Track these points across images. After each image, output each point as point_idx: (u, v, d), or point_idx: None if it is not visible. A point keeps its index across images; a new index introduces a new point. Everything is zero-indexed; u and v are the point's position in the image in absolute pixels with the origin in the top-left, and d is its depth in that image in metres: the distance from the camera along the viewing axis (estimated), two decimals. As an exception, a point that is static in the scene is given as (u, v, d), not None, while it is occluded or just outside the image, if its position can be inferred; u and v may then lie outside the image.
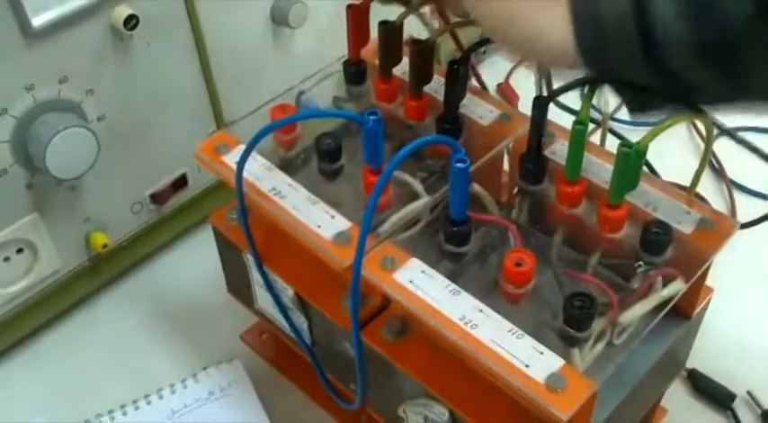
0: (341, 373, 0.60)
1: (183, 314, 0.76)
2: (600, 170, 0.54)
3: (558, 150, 0.56)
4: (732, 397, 0.66)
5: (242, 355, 0.71)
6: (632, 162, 0.47)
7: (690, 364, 0.66)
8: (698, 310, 0.55)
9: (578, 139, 0.49)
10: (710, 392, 0.67)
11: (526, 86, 0.59)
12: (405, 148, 0.46)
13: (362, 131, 0.50)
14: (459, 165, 0.46)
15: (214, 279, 0.71)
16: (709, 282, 0.55)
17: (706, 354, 0.66)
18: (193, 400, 0.68)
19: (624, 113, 0.78)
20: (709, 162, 0.83)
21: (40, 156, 0.61)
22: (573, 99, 0.68)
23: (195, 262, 0.78)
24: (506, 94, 0.86)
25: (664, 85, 0.42)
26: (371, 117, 0.50)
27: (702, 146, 0.84)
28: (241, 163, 0.52)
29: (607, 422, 0.51)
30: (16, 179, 0.64)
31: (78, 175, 0.64)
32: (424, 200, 0.54)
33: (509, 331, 0.46)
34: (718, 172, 0.83)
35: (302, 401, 0.69)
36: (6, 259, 0.67)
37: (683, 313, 0.55)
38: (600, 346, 0.48)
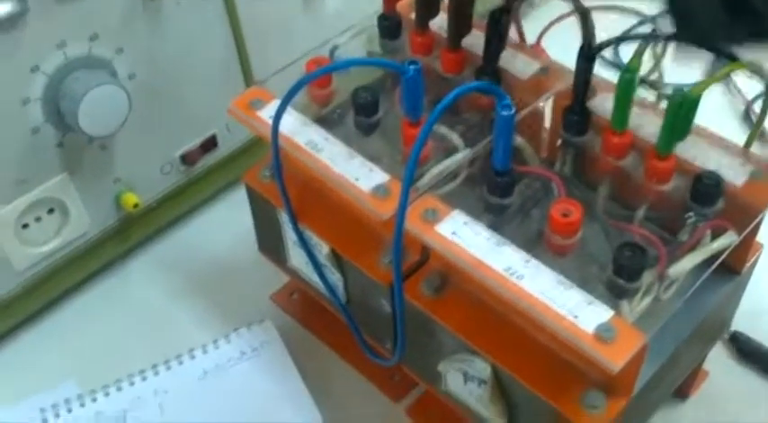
0: (375, 330, 0.59)
1: (213, 276, 0.75)
2: (646, 124, 0.53)
3: (599, 103, 0.54)
4: (775, 359, 0.65)
5: (272, 315, 0.71)
6: (684, 110, 0.46)
7: (732, 326, 0.65)
8: (747, 265, 0.54)
9: (627, 87, 0.48)
10: (753, 356, 0.66)
11: (557, 46, 0.58)
12: (448, 96, 0.44)
13: (402, 81, 0.49)
14: (504, 112, 0.45)
15: (244, 241, 0.70)
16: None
17: (750, 316, 0.65)
18: (225, 360, 0.68)
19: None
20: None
21: (72, 113, 0.61)
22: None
23: (225, 224, 0.78)
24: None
25: None
26: (412, 66, 0.48)
27: (742, 108, 0.83)
28: (278, 115, 0.51)
29: (652, 380, 0.50)
30: (47, 138, 0.64)
31: (110, 133, 0.63)
32: (464, 153, 0.53)
33: (556, 282, 0.45)
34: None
35: (333, 361, 0.68)
36: (38, 219, 0.67)
37: (732, 269, 0.53)
38: (647, 301, 0.47)
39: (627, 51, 0.90)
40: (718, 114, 0.83)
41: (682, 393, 0.63)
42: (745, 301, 0.59)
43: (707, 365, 0.64)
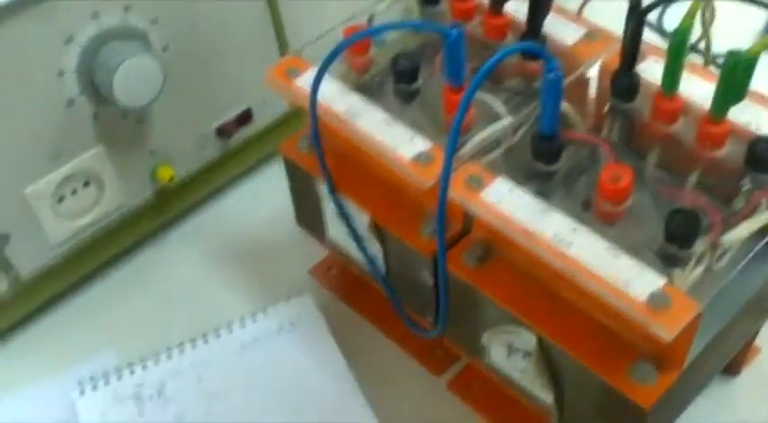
0: (416, 303, 0.58)
1: (251, 250, 0.74)
2: (697, 88, 0.51)
3: (648, 68, 0.53)
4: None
5: (311, 289, 0.70)
6: (741, 71, 0.44)
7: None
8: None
9: (678, 48, 0.46)
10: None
11: (600, 16, 0.56)
12: (494, 56, 0.43)
13: (445, 45, 0.48)
14: (551, 75, 0.44)
15: (281, 214, 0.70)
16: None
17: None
18: (263, 333, 0.67)
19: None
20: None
21: (106, 84, 0.60)
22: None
23: (261, 197, 0.77)
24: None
25: None
26: (455, 29, 0.47)
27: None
28: (316, 82, 0.50)
29: (704, 353, 0.48)
30: (83, 110, 0.63)
31: (144, 104, 0.62)
32: (508, 120, 0.51)
33: (606, 250, 0.44)
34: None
35: (373, 335, 0.67)
36: (74, 192, 0.66)
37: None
38: (699, 270, 0.46)
39: (670, 18, 0.89)
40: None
41: (732, 370, 0.61)
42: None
43: (759, 341, 0.62)
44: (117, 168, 0.68)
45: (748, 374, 0.62)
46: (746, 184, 0.47)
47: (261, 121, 0.76)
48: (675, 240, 0.44)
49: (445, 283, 0.50)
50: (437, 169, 0.48)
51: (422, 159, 0.49)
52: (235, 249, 0.75)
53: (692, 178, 0.49)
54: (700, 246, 0.45)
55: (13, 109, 0.59)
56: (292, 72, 0.55)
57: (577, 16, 0.58)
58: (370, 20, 0.59)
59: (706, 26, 0.49)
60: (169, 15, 0.64)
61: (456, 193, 0.47)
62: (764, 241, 0.46)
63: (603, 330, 0.48)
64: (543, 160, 0.48)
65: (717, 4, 0.51)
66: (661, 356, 0.46)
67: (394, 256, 0.57)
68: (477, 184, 0.47)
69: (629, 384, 0.46)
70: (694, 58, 0.53)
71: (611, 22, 0.55)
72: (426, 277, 0.55)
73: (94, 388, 0.65)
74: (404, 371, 0.65)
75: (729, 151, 0.49)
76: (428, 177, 0.48)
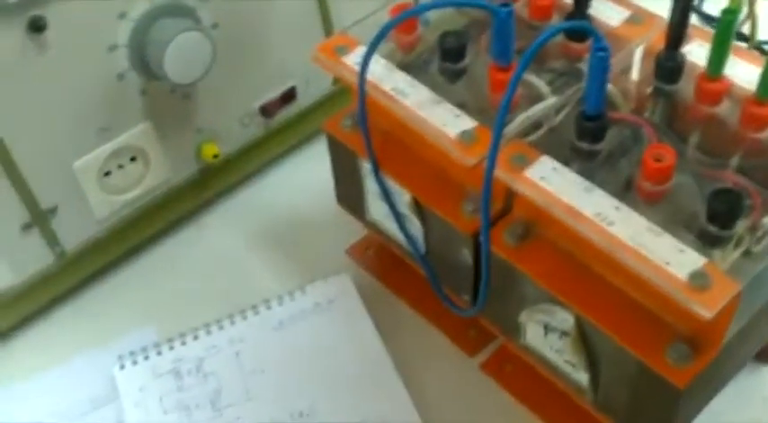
0: (454, 282, 0.59)
1: (290, 229, 0.75)
2: (741, 71, 0.51)
3: (693, 50, 0.53)
4: None
5: (348, 269, 0.71)
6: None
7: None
8: None
9: (726, 29, 0.47)
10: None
11: None
12: (543, 34, 0.44)
13: (494, 23, 0.48)
14: (600, 53, 0.44)
15: (321, 194, 0.71)
16: None
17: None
18: (300, 311, 0.68)
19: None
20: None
21: (158, 59, 0.61)
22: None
23: (303, 177, 0.78)
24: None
25: None
26: (504, 8, 0.48)
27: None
28: (366, 60, 0.51)
29: (739, 336, 0.49)
30: (132, 85, 0.64)
31: (194, 81, 0.63)
32: (552, 100, 0.52)
33: (647, 228, 0.44)
34: None
35: (408, 315, 0.68)
36: (120, 167, 0.67)
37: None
38: (738, 253, 0.46)
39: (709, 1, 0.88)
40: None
41: (764, 358, 0.62)
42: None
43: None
44: (163, 144, 0.69)
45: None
46: (790, 167, 0.48)
47: (304, 100, 0.77)
48: (717, 220, 0.44)
49: (488, 260, 0.50)
50: (481, 148, 0.49)
51: (466, 138, 0.50)
52: (275, 228, 0.76)
53: (735, 160, 0.49)
54: (740, 227, 0.45)
55: (65, 82, 0.61)
56: (340, 50, 0.56)
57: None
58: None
59: (752, 9, 0.49)
60: (219, -7, 0.65)
61: (501, 170, 0.48)
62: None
63: (641, 311, 0.48)
64: (588, 140, 0.49)
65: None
66: (697, 337, 0.47)
67: (434, 234, 0.58)
68: (521, 163, 0.48)
69: (665, 364, 0.46)
70: (738, 44, 0.53)
71: (653, 3, 0.55)
72: (466, 256, 0.55)
73: (134, 363, 0.66)
74: (438, 351, 0.66)
75: (774, 134, 0.49)
76: (472, 156, 0.49)
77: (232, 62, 0.69)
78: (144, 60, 0.63)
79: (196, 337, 0.67)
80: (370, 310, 0.68)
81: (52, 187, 0.64)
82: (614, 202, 0.46)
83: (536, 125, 0.52)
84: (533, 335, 0.54)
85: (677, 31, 0.50)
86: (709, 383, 0.52)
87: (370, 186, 0.60)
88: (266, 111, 0.74)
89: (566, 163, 0.49)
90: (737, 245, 0.46)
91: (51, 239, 0.66)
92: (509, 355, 0.63)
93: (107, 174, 0.67)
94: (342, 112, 0.62)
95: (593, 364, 0.51)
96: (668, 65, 0.51)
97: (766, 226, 0.46)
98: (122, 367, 0.66)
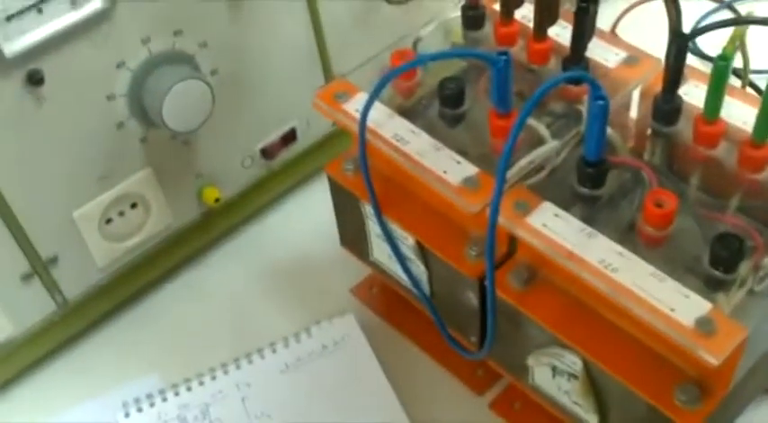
0: (460, 324, 0.59)
1: (294, 269, 0.75)
2: (737, 112, 0.52)
3: (690, 92, 0.53)
4: None
5: (353, 309, 0.71)
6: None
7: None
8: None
9: (721, 75, 0.47)
10: None
11: (631, 34, 0.57)
12: (543, 85, 0.44)
13: (493, 72, 0.49)
14: (599, 102, 0.45)
15: (324, 234, 0.71)
16: None
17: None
18: (307, 353, 0.68)
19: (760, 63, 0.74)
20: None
21: (156, 108, 0.61)
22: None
23: (304, 217, 0.78)
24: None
25: None
26: (503, 57, 0.48)
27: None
28: (366, 108, 0.52)
29: (748, 375, 0.49)
30: (132, 133, 0.64)
31: (194, 128, 0.64)
32: (553, 144, 0.52)
33: (650, 274, 0.45)
34: None
35: (415, 355, 0.68)
36: (121, 214, 0.68)
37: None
38: (741, 293, 0.46)
39: (705, 39, 0.89)
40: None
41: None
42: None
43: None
44: (164, 191, 0.69)
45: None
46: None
47: (305, 141, 0.77)
48: (720, 265, 0.45)
49: (494, 305, 0.51)
50: (484, 194, 0.49)
51: (470, 184, 0.50)
52: (278, 269, 0.76)
53: (735, 201, 0.49)
54: (743, 269, 0.45)
55: (64, 133, 0.61)
56: (340, 97, 0.57)
57: (614, 36, 0.58)
58: (416, 44, 0.60)
59: (744, 49, 0.49)
60: (217, 39, 0.65)
61: (504, 217, 0.48)
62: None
63: (648, 353, 0.48)
64: (588, 185, 0.49)
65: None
66: (706, 379, 0.47)
67: (439, 277, 0.58)
68: (523, 209, 0.48)
69: (674, 407, 0.46)
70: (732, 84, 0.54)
71: (642, 39, 0.55)
72: (471, 298, 0.56)
73: (139, 410, 0.65)
74: (446, 390, 0.65)
75: (771, 175, 0.49)
76: (476, 202, 0.49)
77: (232, 106, 0.69)
78: (143, 109, 0.63)
79: (201, 383, 0.67)
80: (376, 350, 0.67)
81: (52, 237, 0.64)
82: (617, 247, 0.46)
83: (537, 168, 0.52)
84: (541, 377, 0.54)
85: (674, 74, 0.50)
86: (719, 422, 0.52)
87: (373, 229, 0.61)
88: (267, 152, 0.74)
89: (567, 206, 0.49)
90: (741, 285, 0.46)
91: (52, 289, 0.66)
92: (518, 394, 0.63)
93: (108, 221, 0.67)
94: (343, 155, 0.62)
95: (602, 406, 0.52)
96: (666, 108, 0.52)
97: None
98: (127, 415, 0.65)
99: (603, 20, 0.58)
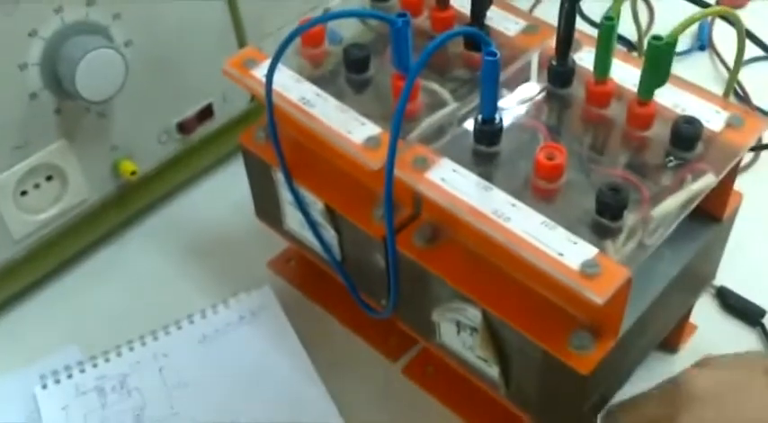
0: (371, 287, 0.61)
1: (212, 244, 0.76)
2: (628, 74, 0.54)
3: (585, 57, 0.56)
4: (762, 313, 0.67)
5: (271, 282, 0.72)
6: (663, 54, 0.47)
7: (718, 281, 0.66)
8: (728, 213, 0.55)
9: (608, 35, 0.49)
10: (739, 309, 0.67)
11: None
12: (434, 40, 0.46)
13: (392, 33, 0.50)
14: (489, 58, 0.46)
15: (241, 209, 0.72)
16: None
17: (735, 271, 0.66)
18: (224, 324, 0.69)
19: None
20: (734, 90, 0.83)
21: (69, 76, 0.62)
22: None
23: (223, 193, 0.79)
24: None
25: None
26: (400, 18, 0.50)
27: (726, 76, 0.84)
28: (271, 69, 0.53)
29: (638, 323, 0.51)
30: (46, 104, 0.65)
31: (107, 98, 0.64)
32: (453, 106, 0.54)
33: (541, 223, 0.47)
34: (743, 99, 0.83)
35: (331, 325, 0.69)
36: (36, 186, 0.68)
37: (714, 216, 0.55)
38: (632, 245, 0.48)
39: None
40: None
41: (671, 346, 0.64)
42: (730, 258, 0.61)
43: (695, 320, 0.65)
44: (80, 162, 0.69)
45: (686, 351, 0.65)
46: (672, 161, 0.50)
47: (222, 117, 0.78)
48: (605, 212, 0.47)
49: (395, 258, 0.52)
50: (386, 152, 0.51)
51: (371, 143, 0.52)
52: (196, 244, 0.76)
53: (623, 157, 0.51)
54: (630, 219, 0.48)
55: (-24, 101, 0.61)
56: (249, 63, 0.58)
57: (514, 7, 0.61)
58: (325, 13, 0.62)
59: (637, 18, 0.52)
60: (131, 11, 0.66)
61: (403, 172, 0.50)
62: (689, 210, 0.48)
63: (545, 303, 0.50)
64: (485, 143, 0.51)
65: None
66: (597, 325, 0.49)
67: (348, 241, 0.60)
68: (422, 164, 0.50)
69: (568, 352, 0.49)
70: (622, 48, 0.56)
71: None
72: (378, 260, 0.57)
73: (57, 382, 0.66)
74: (361, 358, 0.67)
75: (657, 132, 0.52)
76: (377, 160, 0.51)
77: (147, 79, 0.70)
78: (57, 79, 0.63)
79: (119, 354, 0.67)
80: (293, 321, 0.69)
81: (-34, 207, 0.64)
82: (511, 199, 0.48)
83: (441, 132, 0.54)
84: (447, 333, 0.56)
85: (565, 38, 0.52)
86: (614, 370, 0.54)
87: (285, 196, 0.62)
88: (184, 127, 0.75)
89: (467, 164, 0.51)
90: (630, 237, 0.48)
91: (-32, 261, 0.66)
92: (429, 359, 0.65)
93: (23, 193, 0.67)
94: (256, 124, 0.63)
95: (503, 358, 0.53)
96: (559, 70, 0.54)
97: (656, 217, 0.48)
98: (44, 387, 0.65)
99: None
